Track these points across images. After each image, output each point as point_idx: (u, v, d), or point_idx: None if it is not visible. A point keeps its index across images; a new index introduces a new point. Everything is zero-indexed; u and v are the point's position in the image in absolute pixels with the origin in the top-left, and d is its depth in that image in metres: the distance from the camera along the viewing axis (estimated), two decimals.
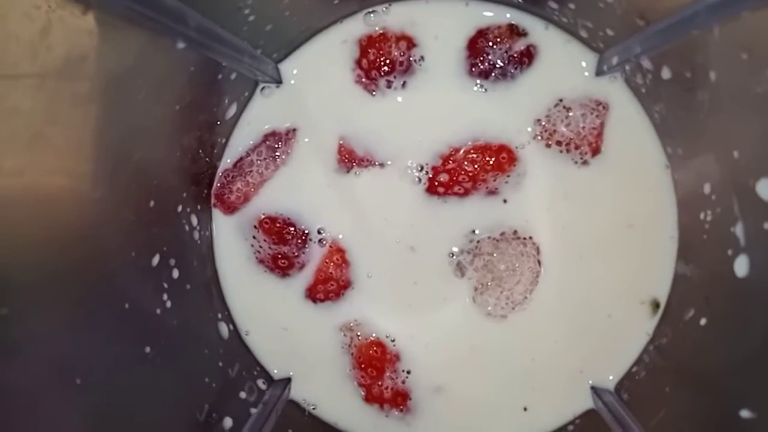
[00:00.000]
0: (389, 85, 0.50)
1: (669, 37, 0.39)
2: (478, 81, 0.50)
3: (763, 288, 0.38)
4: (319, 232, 0.51)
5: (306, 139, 0.51)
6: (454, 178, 0.49)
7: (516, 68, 0.49)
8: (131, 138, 0.40)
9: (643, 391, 0.47)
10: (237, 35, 0.44)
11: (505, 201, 0.50)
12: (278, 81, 0.51)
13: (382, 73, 0.50)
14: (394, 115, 0.51)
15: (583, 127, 0.49)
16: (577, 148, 0.49)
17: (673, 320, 0.47)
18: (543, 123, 0.49)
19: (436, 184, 0.50)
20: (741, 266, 0.39)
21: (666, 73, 0.44)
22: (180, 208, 0.47)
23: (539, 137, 0.49)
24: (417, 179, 0.50)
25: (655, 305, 0.49)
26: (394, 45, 0.50)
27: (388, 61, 0.50)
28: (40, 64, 0.31)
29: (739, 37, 0.36)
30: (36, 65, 0.31)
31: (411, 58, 0.50)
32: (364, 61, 0.50)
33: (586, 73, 0.49)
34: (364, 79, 0.50)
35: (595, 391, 0.49)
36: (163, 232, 0.45)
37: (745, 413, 0.37)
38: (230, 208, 0.51)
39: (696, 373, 0.44)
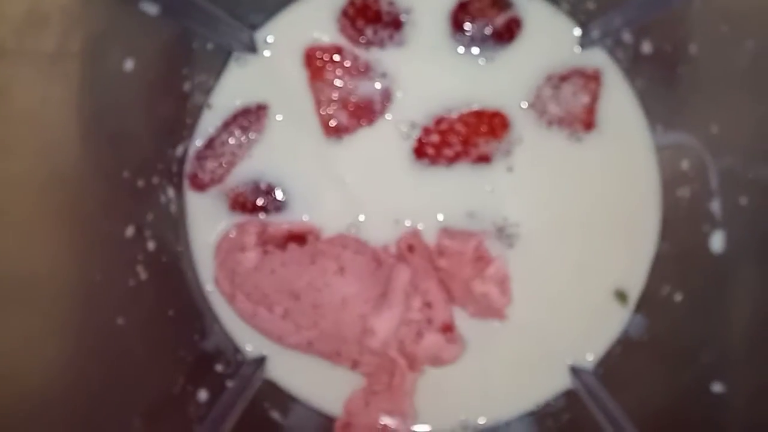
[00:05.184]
0: (375, 32, 0.49)
1: (650, 9, 0.39)
2: (462, 48, 0.49)
3: (738, 264, 0.39)
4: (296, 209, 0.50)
5: (278, 117, 0.50)
6: (446, 140, 0.48)
7: (497, 44, 0.49)
8: (104, 107, 0.39)
9: (617, 367, 0.47)
10: (213, 2, 0.43)
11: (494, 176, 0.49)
12: (253, 50, 0.50)
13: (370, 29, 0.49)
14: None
15: (574, 105, 0.48)
16: (570, 125, 0.48)
17: (650, 296, 0.47)
18: (532, 101, 0.48)
19: (425, 144, 0.49)
20: (717, 242, 0.40)
21: (646, 48, 0.43)
22: (156, 180, 0.46)
23: (529, 109, 0.48)
24: (406, 135, 0.49)
25: (632, 285, 0.48)
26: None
27: (373, 14, 0.48)
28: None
29: (720, 8, 0.36)
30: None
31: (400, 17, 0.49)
32: (351, 9, 0.49)
33: (572, 47, 0.48)
34: (349, 30, 0.49)
35: (574, 370, 0.49)
36: (138, 203, 0.45)
37: (716, 387, 0.37)
38: (203, 188, 0.50)
39: (670, 348, 0.44)
